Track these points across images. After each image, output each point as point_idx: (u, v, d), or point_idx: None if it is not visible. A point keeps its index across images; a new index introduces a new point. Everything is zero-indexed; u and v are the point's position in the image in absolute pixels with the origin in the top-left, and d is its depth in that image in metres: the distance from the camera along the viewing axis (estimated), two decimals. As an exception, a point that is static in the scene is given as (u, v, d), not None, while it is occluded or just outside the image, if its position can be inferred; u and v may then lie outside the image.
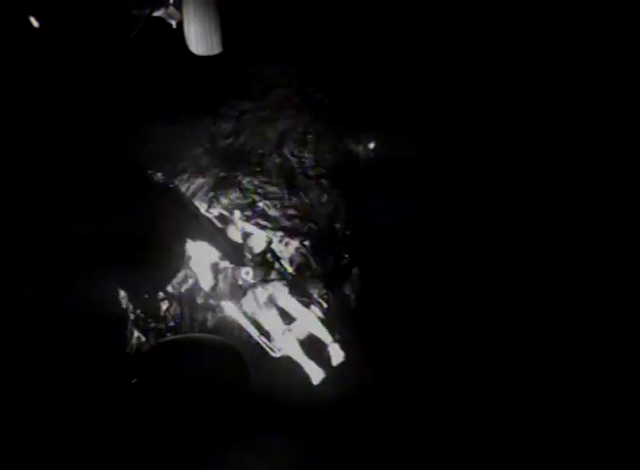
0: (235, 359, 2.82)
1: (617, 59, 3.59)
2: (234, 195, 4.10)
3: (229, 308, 3.73)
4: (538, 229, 3.67)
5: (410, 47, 3.99)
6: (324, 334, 3.70)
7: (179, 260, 3.46)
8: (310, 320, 3.74)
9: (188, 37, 3.18)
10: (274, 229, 4.07)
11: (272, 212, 4.14)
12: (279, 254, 4.00)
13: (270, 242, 3.95)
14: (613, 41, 3.57)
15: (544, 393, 3.20)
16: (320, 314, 3.82)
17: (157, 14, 3.26)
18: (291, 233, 4.11)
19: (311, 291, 3.96)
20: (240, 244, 3.82)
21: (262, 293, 3.80)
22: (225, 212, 4.03)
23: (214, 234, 3.63)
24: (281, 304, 3.81)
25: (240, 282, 3.83)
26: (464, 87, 3.93)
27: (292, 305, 3.78)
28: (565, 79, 3.73)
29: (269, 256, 3.91)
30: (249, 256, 3.82)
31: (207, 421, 2.43)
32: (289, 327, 3.71)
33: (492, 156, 3.86)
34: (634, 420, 3.02)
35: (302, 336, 3.72)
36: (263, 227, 4.05)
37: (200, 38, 3.17)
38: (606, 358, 3.24)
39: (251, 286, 3.82)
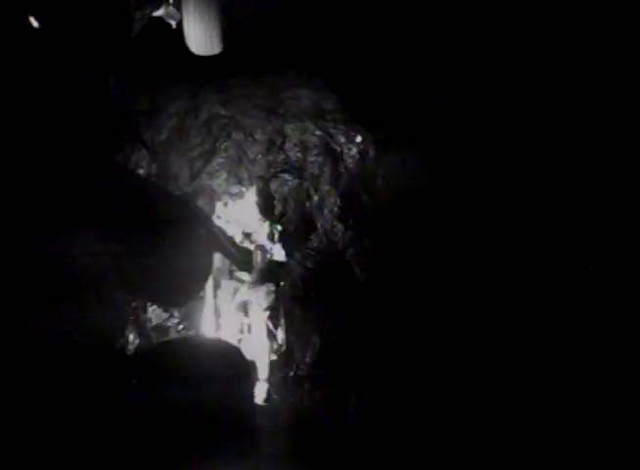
0: (238, 364, 2.80)
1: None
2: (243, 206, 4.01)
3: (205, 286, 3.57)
4: (538, 229, 3.67)
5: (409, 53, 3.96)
6: (264, 369, 3.48)
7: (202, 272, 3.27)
8: (262, 348, 3.52)
9: (188, 37, 3.19)
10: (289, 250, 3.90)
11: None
12: (283, 272, 3.80)
13: (286, 257, 3.77)
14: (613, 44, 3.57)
15: (544, 395, 3.19)
16: (275, 348, 3.61)
17: (157, 14, 3.26)
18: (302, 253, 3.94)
19: (286, 323, 3.74)
20: (248, 251, 3.65)
21: (241, 295, 3.64)
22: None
23: (224, 241, 3.52)
24: (251, 315, 3.63)
25: (230, 272, 3.69)
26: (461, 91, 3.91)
27: (259, 321, 3.58)
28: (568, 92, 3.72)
29: (275, 269, 3.71)
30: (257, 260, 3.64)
31: (207, 423, 2.43)
32: (240, 339, 3.54)
33: (492, 154, 3.86)
34: (634, 420, 3.02)
35: (246, 355, 3.57)
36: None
37: (200, 38, 3.18)
38: (606, 359, 3.24)
39: (237, 281, 3.68)
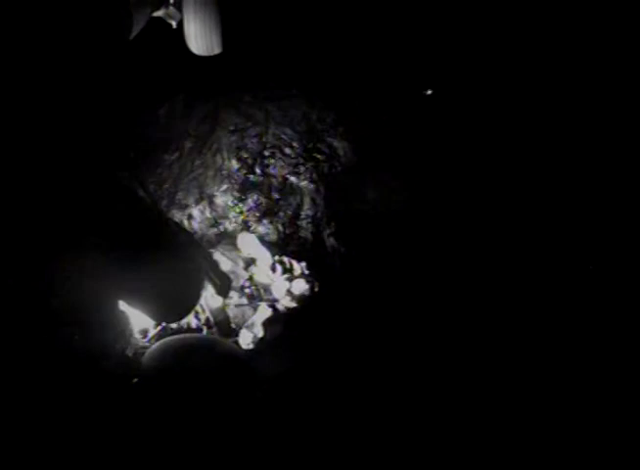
0: (240, 366, 2.80)
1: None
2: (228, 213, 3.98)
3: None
4: (538, 229, 3.67)
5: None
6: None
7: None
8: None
9: (188, 37, 3.20)
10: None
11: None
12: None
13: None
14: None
15: (543, 396, 3.19)
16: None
17: (157, 14, 3.27)
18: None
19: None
20: (226, 276, 3.66)
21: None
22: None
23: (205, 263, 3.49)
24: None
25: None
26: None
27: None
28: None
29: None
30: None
31: (207, 425, 2.43)
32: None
33: (493, 155, 3.86)
34: (634, 420, 3.02)
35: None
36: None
37: (200, 38, 3.19)
38: (606, 359, 3.24)
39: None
